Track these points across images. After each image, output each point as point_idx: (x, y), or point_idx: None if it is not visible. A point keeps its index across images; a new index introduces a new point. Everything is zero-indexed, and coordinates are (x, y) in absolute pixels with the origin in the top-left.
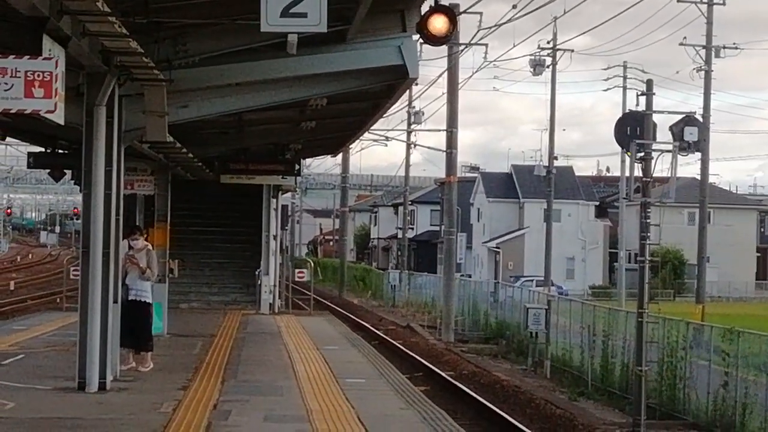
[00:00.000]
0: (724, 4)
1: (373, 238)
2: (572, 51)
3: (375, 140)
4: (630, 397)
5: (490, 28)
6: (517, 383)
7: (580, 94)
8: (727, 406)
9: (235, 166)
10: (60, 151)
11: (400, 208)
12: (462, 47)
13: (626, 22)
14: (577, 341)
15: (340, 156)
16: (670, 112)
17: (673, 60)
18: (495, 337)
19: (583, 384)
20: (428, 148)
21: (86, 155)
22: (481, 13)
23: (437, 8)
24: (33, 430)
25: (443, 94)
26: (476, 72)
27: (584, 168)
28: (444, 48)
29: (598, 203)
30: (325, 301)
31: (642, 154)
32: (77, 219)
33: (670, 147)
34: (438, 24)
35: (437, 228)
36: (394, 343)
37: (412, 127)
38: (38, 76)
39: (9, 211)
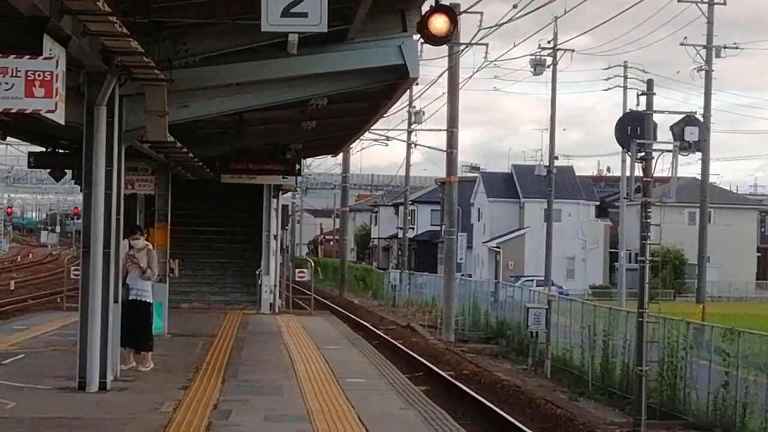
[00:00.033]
0: (724, 3)
1: (374, 238)
2: (573, 51)
3: (375, 140)
4: (630, 397)
5: (490, 27)
6: (518, 383)
7: (580, 94)
8: (728, 406)
9: (235, 165)
10: (60, 150)
11: (401, 208)
12: (462, 47)
13: (627, 22)
14: (578, 341)
15: (340, 156)
16: (670, 112)
17: (674, 60)
18: (495, 337)
19: (583, 384)
20: (429, 147)
21: (87, 155)
22: (481, 13)
23: (438, 8)
24: (33, 430)
25: (444, 93)
26: (477, 72)
27: (585, 168)
28: (444, 48)
29: (598, 203)
30: (326, 301)
31: (642, 153)
32: (78, 219)
33: (670, 147)
34: (438, 24)
35: (438, 228)
36: (395, 342)
37: (413, 126)
38: (39, 75)
39: (10, 210)
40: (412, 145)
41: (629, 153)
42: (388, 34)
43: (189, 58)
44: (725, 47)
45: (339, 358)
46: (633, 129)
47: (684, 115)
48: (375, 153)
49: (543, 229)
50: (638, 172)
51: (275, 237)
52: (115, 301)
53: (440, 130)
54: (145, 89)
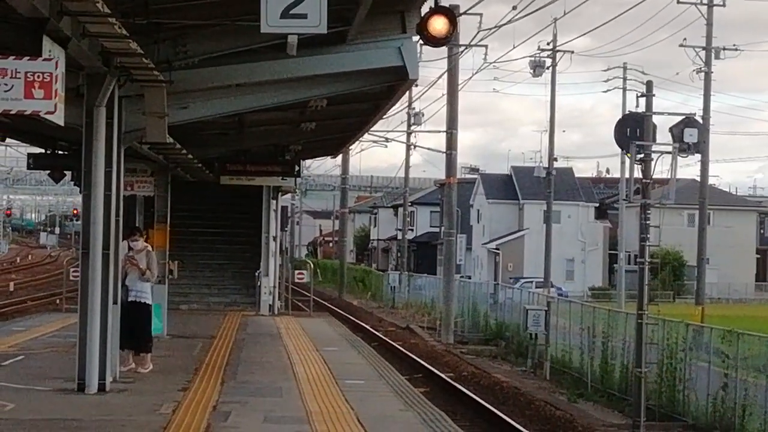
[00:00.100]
0: (724, 5)
1: (373, 240)
2: (572, 52)
3: (375, 141)
4: (629, 399)
5: (490, 29)
6: (517, 385)
7: (580, 96)
8: (727, 408)
9: (234, 167)
10: (60, 152)
11: (400, 210)
12: (462, 48)
13: (626, 23)
14: (577, 343)
15: (339, 157)
16: (670, 114)
17: (673, 61)
18: (494, 339)
19: (582, 385)
20: (428, 149)
21: (86, 156)
22: (481, 15)
23: (437, 9)
24: None
25: (443, 95)
26: (476, 73)
27: (584, 169)
28: (444, 49)
29: (597, 205)
30: (325, 303)
31: (642, 155)
32: (77, 220)
33: (669, 148)
34: (438, 25)
35: (437, 229)
36: (394, 344)
37: (412, 128)
38: (38, 77)
39: (9, 212)
40: (412, 147)
41: (629, 154)
42: (388, 35)
43: (188, 60)
44: (724, 49)
45: (338, 360)
46: (632, 130)
47: (683, 117)
48: (374, 154)
49: (542, 230)
50: (638, 173)
51: (274, 238)
52: (115, 303)
53: (440, 131)
54: (145, 90)
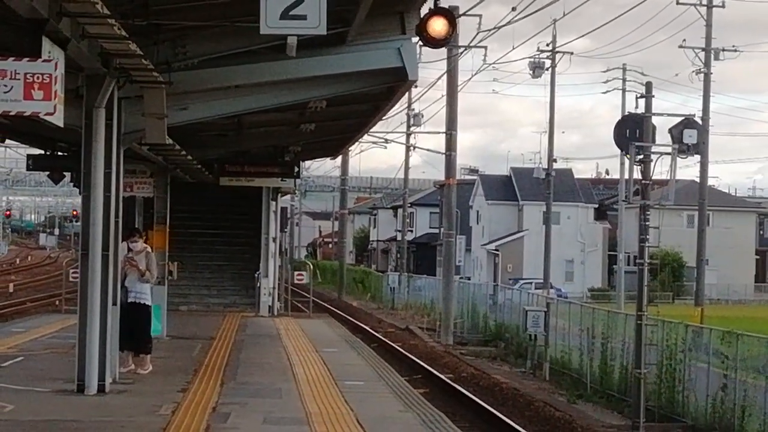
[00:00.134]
0: (723, 6)
1: (373, 241)
2: (571, 53)
3: (374, 142)
4: (629, 400)
5: (489, 30)
6: (516, 386)
7: (579, 97)
8: (726, 409)
9: (234, 168)
10: (59, 153)
11: (400, 211)
12: (461, 49)
13: (626, 24)
14: (576, 344)
15: (339, 158)
16: (669, 115)
17: (673, 62)
18: (494, 340)
19: (582, 386)
20: (427, 150)
21: (85, 157)
22: (480, 16)
23: (436, 10)
24: None
25: (442, 96)
26: (475, 74)
27: (583, 170)
28: (443, 50)
29: (597, 206)
30: (324, 304)
31: (641, 156)
32: (76, 221)
33: (669, 149)
34: (437, 26)
35: (436, 230)
36: (393, 345)
37: (412, 129)
38: (38, 78)
39: (8, 213)
40: (411, 148)
41: (628, 155)
42: (387, 36)
43: (188, 61)
44: (724, 50)
45: (338, 361)
46: (632, 131)
47: (683, 118)
48: (374, 155)
49: (542, 231)
50: (637, 174)
51: (274, 239)
52: (114, 304)
53: (439, 132)
54: (144, 92)
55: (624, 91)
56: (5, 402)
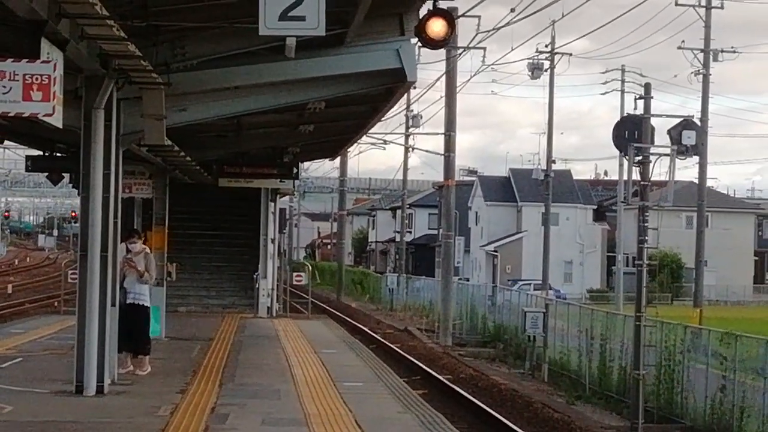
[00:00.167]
0: (722, 8)
1: (371, 242)
2: (570, 54)
3: (373, 143)
4: (627, 401)
5: (488, 31)
6: (515, 387)
7: (578, 98)
8: (725, 410)
9: (233, 169)
10: (58, 154)
11: (398, 212)
12: (460, 51)
13: (625, 25)
14: (575, 345)
15: (338, 159)
16: (668, 116)
17: (672, 64)
18: (493, 341)
19: (580, 387)
20: (426, 151)
21: (84, 158)
22: (479, 17)
23: (435, 12)
24: None
25: (441, 97)
26: (474, 75)
27: (582, 171)
28: (442, 51)
29: (596, 207)
30: (323, 305)
31: (640, 157)
32: (75, 222)
33: (668, 150)
34: (436, 27)
35: (435, 231)
36: (392, 346)
37: (411, 130)
38: (36, 79)
39: (7, 214)
40: (410, 149)
41: (627, 157)
42: (386, 37)
43: (187, 62)
44: (723, 51)
45: (336, 362)
46: (630, 133)
47: (681, 119)
48: (373, 157)
49: (540, 232)
50: (636, 175)
51: (273, 241)
52: (113, 305)
53: (438, 133)
54: (143, 93)
55: (623, 92)
56: (4, 403)
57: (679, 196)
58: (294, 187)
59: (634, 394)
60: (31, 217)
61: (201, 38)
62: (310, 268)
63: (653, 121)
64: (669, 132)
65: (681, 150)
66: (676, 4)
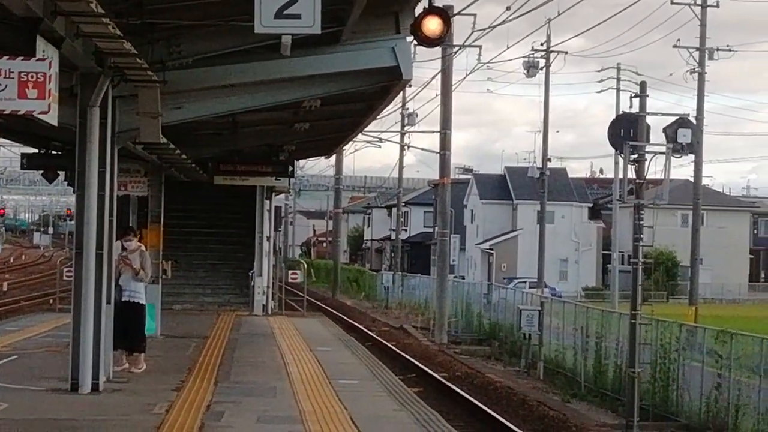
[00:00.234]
0: (717, 6)
1: (367, 240)
2: (566, 53)
3: (369, 142)
4: (623, 399)
5: (483, 29)
6: (510, 384)
7: (573, 96)
8: (720, 408)
9: (228, 167)
10: (53, 152)
11: (394, 210)
12: (456, 49)
13: (620, 24)
14: (570, 343)
15: (333, 157)
16: (663, 114)
17: (667, 62)
18: (488, 339)
19: (576, 385)
20: (422, 149)
21: (80, 156)
22: (474, 15)
23: (431, 10)
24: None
25: (437, 95)
26: (470, 74)
27: (578, 170)
28: (438, 49)
29: (591, 205)
30: (319, 303)
31: (635, 155)
32: (70, 220)
33: (663, 149)
34: (432, 26)
35: (430, 229)
36: (387, 344)
37: (406, 128)
38: (32, 77)
39: (2, 211)
40: (405, 147)
41: (622, 155)
42: (382, 35)
43: (182, 60)
44: (718, 49)
45: (332, 360)
46: (626, 131)
47: (677, 117)
48: (368, 155)
49: (536, 230)
50: (631, 174)
51: (268, 238)
52: (108, 303)
53: (433, 131)
54: (139, 90)
55: (618, 90)
56: None
57: (674, 194)
58: (289, 185)
59: (630, 392)
60: (27, 215)
61: (196, 36)
62: (306, 265)
63: (649, 119)
64: (664, 130)
65: (676, 148)
66: (672, 3)
